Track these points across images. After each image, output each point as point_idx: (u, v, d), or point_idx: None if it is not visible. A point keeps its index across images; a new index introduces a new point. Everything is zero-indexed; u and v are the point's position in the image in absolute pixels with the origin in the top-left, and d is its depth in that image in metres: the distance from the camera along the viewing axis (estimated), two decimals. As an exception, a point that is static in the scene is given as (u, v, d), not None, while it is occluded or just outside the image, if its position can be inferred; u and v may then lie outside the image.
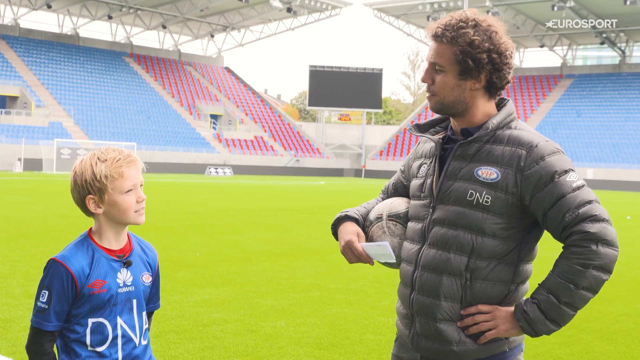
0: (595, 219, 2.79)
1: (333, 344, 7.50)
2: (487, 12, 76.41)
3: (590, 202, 2.82)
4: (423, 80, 3.06)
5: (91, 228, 3.12)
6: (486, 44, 2.91)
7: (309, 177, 77.98)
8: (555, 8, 75.26)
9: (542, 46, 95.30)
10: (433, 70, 3.02)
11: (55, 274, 2.94)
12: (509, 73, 3.01)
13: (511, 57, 2.99)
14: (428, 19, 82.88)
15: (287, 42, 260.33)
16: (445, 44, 2.96)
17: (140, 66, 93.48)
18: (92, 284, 2.96)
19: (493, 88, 3.00)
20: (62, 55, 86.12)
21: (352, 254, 3.16)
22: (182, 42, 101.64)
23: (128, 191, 3.03)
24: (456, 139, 3.08)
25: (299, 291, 10.21)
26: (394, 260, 3.10)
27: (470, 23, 2.94)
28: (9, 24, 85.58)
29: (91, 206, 3.03)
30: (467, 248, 2.91)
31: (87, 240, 3.06)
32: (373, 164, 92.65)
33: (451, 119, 3.12)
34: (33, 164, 62.97)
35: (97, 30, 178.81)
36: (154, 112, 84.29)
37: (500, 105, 3.11)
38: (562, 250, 2.87)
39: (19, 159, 61.73)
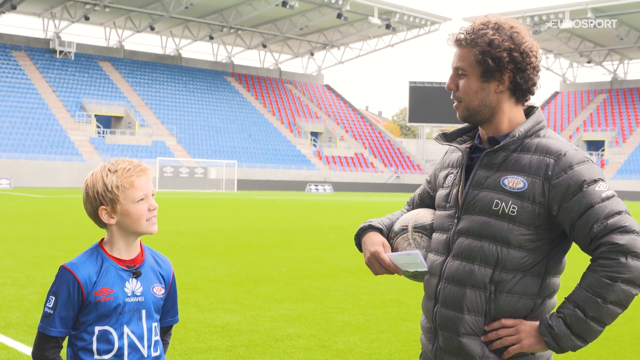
0: (625, 230, 2.66)
1: (403, 360, 7.38)
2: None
3: (619, 212, 2.70)
4: (448, 87, 3.00)
5: (103, 238, 3.14)
6: (506, 43, 2.83)
7: (409, 194, 77.54)
8: (661, 18, 73.27)
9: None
10: (457, 75, 2.96)
11: (62, 281, 2.98)
12: (535, 74, 2.90)
13: (535, 57, 2.88)
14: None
15: (386, 59, 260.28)
16: (465, 46, 2.90)
17: (242, 85, 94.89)
18: (98, 291, 2.98)
19: (518, 90, 2.90)
20: (165, 76, 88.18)
21: (378, 265, 3.06)
22: (283, 61, 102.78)
23: (140, 200, 3.03)
24: (483, 147, 2.99)
25: (378, 307, 10.10)
26: (426, 269, 2.98)
27: (491, 25, 2.88)
28: (114, 46, 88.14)
29: (104, 217, 3.05)
30: (491, 260, 2.80)
31: (98, 249, 3.09)
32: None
33: (479, 127, 3.03)
34: (137, 182, 64.37)
35: (199, 50, 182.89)
36: (255, 130, 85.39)
37: (529, 113, 3.00)
38: (590, 262, 2.74)
39: (124, 178, 63.14)
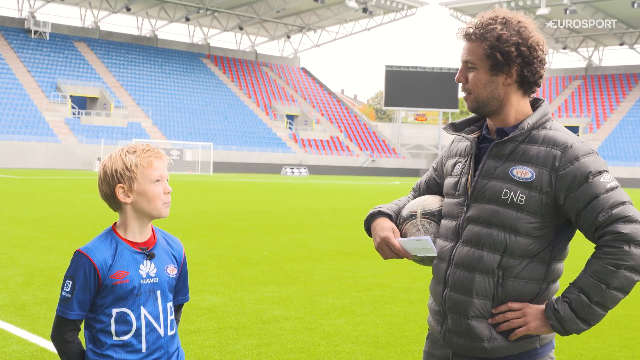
0: (629, 219, 2.78)
1: (390, 342, 7.49)
2: (565, 10, 75.24)
3: (623, 203, 2.81)
4: (457, 80, 3.10)
5: (116, 222, 3.21)
6: (514, 38, 2.93)
7: (385, 177, 77.85)
8: (635, 5, 73.67)
9: (621, 44, 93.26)
10: (466, 69, 3.06)
11: (78, 265, 3.05)
12: (541, 67, 3.01)
13: (542, 51, 2.99)
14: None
15: (363, 43, 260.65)
16: (475, 41, 3.00)
17: (218, 67, 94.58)
18: (114, 274, 3.05)
19: (526, 83, 3.00)
20: (141, 57, 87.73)
21: (388, 250, 3.18)
22: (259, 43, 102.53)
23: (156, 181, 3.11)
24: (491, 138, 3.09)
25: (361, 290, 10.21)
26: (435, 254, 3.08)
27: (499, 20, 2.99)
28: (90, 27, 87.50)
29: (120, 195, 3.10)
30: (500, 246, 2.91)
31: (112, 233, 3.16)
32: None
33: (487, 118, 3.13)
34: (112, 164, 64.18)
35: (175, 32, 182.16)
36: (231, 112, 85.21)
37: (535, 105, 3.11)
38: (594, 250, 2.85)
39: (99, 159, 63.08)
